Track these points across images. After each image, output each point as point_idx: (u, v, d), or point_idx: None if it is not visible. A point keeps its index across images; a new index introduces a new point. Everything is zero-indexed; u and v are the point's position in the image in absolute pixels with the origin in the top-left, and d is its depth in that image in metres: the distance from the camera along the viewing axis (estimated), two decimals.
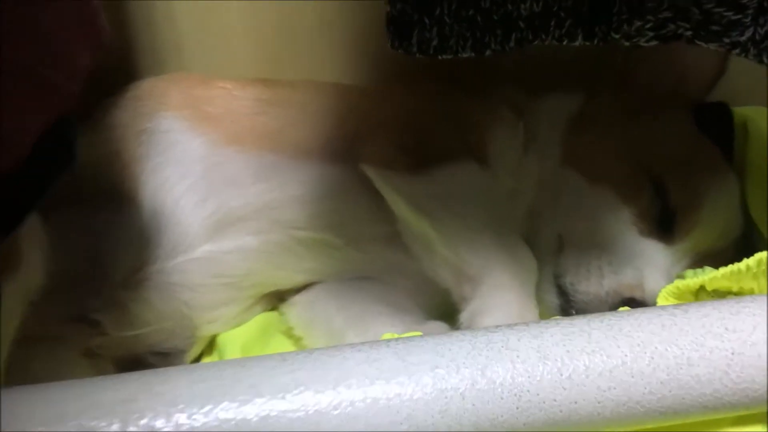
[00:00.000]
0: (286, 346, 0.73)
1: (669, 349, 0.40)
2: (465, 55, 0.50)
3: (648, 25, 0.50)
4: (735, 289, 0.58)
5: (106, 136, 0.72)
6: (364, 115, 0.74)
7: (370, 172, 0.68)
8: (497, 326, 0.42)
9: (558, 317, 0.44)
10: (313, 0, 0.83)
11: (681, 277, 0.63)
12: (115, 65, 0.88)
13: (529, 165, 0.74)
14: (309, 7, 0.84)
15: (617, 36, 0.51)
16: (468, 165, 0.68)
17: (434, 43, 0.49)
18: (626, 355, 0.40)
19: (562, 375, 0.39)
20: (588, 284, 0.65)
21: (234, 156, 0.71)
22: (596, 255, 0.66)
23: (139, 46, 0.89)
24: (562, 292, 0.66)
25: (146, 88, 0.79)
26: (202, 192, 0.70)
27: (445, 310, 0.68)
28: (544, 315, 0.67)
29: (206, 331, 0.71)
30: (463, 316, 0.61)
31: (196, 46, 0.87)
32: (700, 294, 0.60)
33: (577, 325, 0.42)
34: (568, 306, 0.66)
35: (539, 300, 0.66)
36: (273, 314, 0.75)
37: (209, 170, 0.70)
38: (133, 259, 0.67)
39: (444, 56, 0.50)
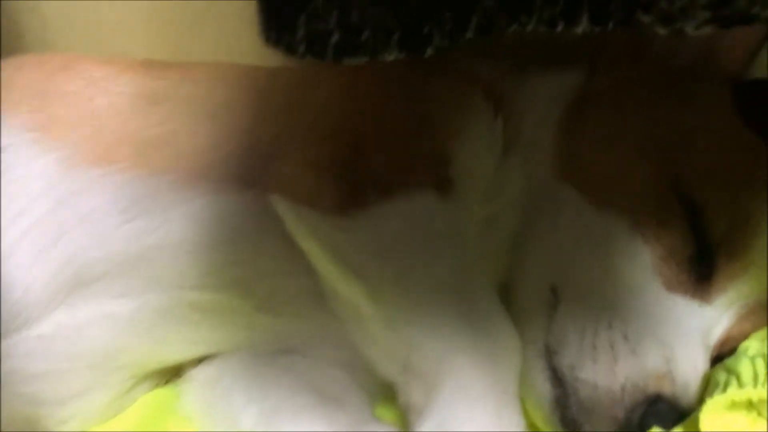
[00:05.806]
0: None
1: None
2: (390, 57, 0.29)
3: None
4: None
5: None
6: (285, 114, 0.55)
7: (280, 207, 0.49)
8: None
9: None
10: None
11: (733, 373, 0.43)
12: None
13: (510, 178, 0.54)
14: None
15: (648, 18, 0.30)
16: (421, 195, 0.47)
17: (335, 39, 0.28)
18: None
19: None
20: (594, 370, 0.45)
21: (96, 181, 0.53)
22: (605, 321, 0.46)
23: None
24: (558, 378, 0.46)
25: None
26: (47, 236, 0.51)
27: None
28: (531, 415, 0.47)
29: None
30: None
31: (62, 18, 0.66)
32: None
33: None
34: (567, 400, 0.46)
35: (527, 387, 0.46)
36: (165, 391, 0.56)
37: (59, 204, 0.52)
38: None
39: (351, 60, 0.29)
